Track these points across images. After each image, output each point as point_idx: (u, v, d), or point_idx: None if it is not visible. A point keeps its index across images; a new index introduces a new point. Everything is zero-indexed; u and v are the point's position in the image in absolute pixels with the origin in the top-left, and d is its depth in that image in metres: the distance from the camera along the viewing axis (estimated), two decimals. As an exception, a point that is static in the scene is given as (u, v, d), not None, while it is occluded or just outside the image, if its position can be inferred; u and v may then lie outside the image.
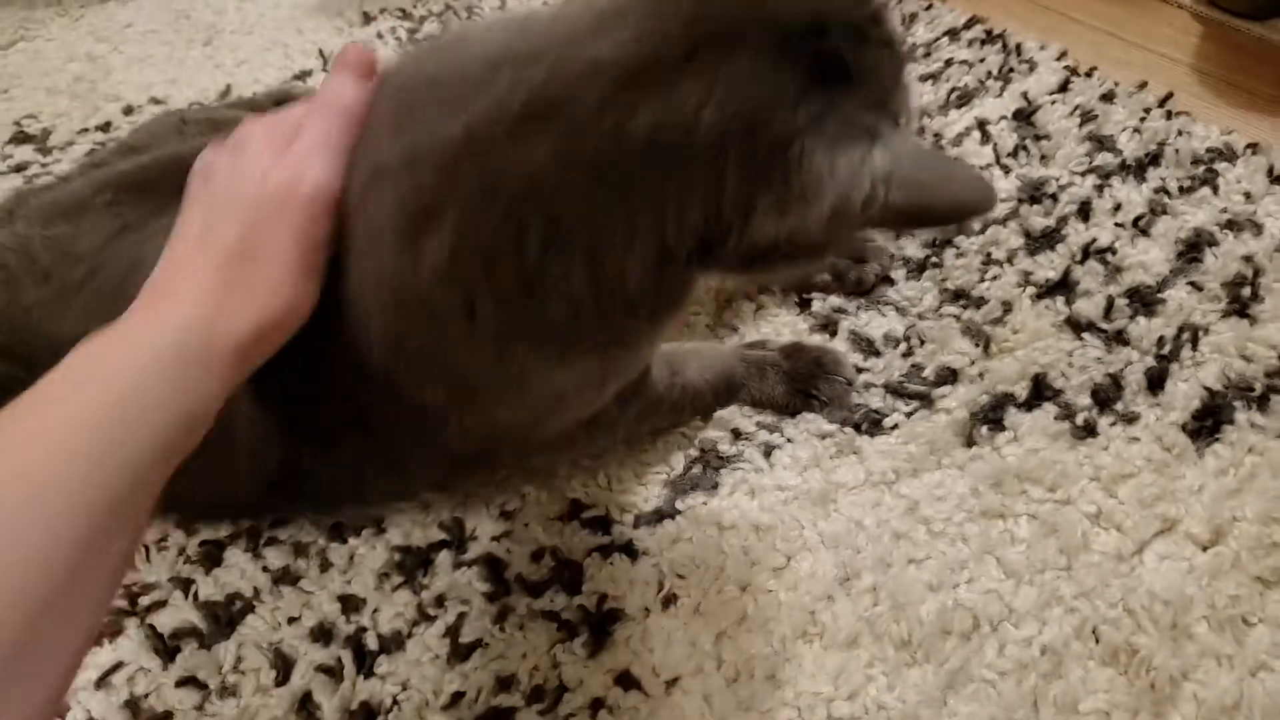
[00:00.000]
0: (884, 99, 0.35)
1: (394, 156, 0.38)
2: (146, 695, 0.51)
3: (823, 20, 0.34)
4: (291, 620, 0.53)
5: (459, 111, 0.36)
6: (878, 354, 0.62)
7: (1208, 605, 0.50)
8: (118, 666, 0.52)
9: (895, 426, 0.59)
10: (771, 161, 0.33)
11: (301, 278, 0.39)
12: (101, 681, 0.52)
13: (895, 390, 0.60)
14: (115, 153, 0.65)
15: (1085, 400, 0.59)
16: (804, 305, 0.66)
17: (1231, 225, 0.67)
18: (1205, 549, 0.53)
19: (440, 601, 0.53)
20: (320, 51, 0.96)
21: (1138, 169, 0.72)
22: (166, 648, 0.53)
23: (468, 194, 0.36)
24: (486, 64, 0.36)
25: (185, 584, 0.55)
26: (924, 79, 0.81)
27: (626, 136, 0.34)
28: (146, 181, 0.55)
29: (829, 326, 0.64)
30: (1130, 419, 0.58)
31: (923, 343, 0.63)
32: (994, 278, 0.66)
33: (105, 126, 0.88)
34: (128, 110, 0.90)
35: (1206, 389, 0.58)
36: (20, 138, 0.88)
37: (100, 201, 0.55)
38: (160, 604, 0.54)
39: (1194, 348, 0.61)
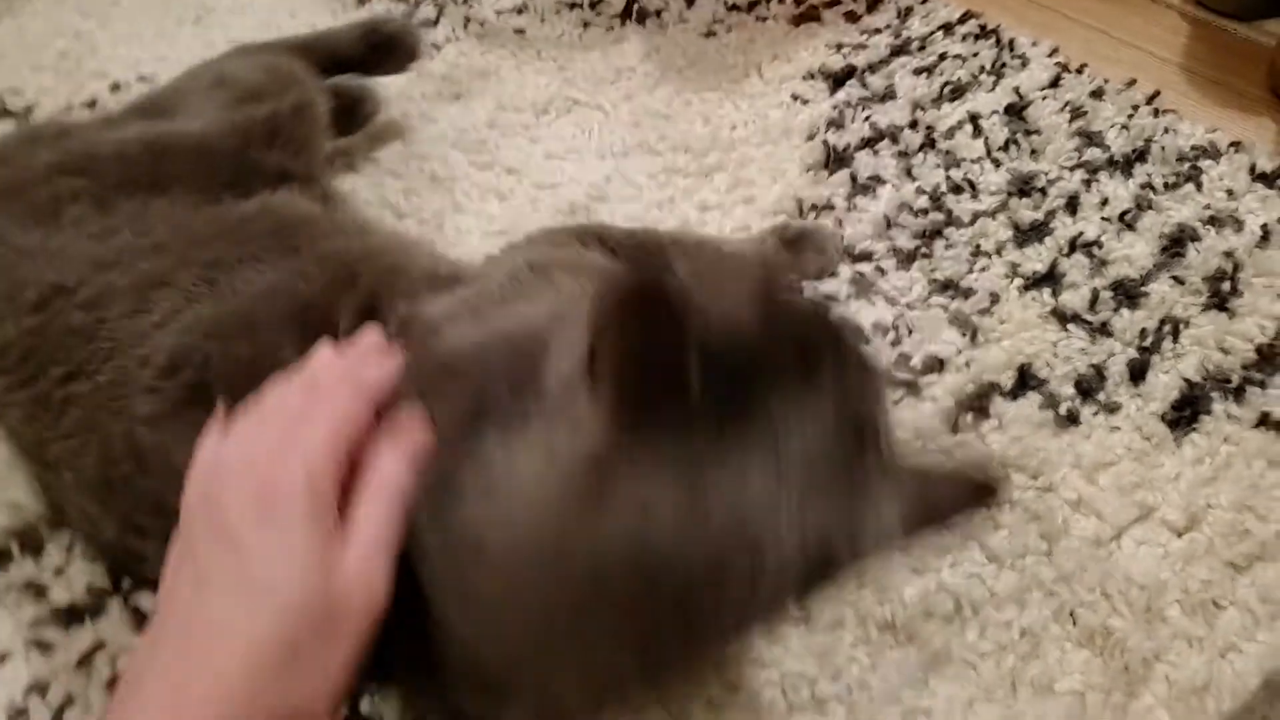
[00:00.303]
0: (861, 428, 0.33)
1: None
2: (134, 671, 0.51)
3: (750, 382, 0.32)
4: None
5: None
6: (866, 342, 0.63)
7: (1181, 589, 0.52)
8: (99, 647, 0.52)
9: (882, 413, 0.60)
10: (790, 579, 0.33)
11: (340, 699, 0.34)
12: (82, 662, 0.52)
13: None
14: (136, 111, 0.64)
15: (1069, 390, 0.60)
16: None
17: (1214, 221, 0.68)
18: (1180, 535, 0.54)
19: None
20: (313, 31, 0.95)
21: (1125, 165, 0.73)
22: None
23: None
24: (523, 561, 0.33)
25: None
26: (918, 72, 0.82)
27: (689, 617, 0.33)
28: (115, 192, 0.54)
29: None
30: (1112, 409, 0.59)
31: (911, 332, 0.63)
32: (982, 269, 0.66)
33: (91, 104, 0.87)
34: (114, 87, 0.89)
35: (1186, 380, 0.60)
36: (2, 113, 0.87)
37: (72, 215, 0.53)
38: (143, 584, 0.54)
39: (1175, 340, 0.62)
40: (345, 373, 0.39)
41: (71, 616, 0.53)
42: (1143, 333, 0.62)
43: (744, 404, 0.32)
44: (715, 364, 0.31)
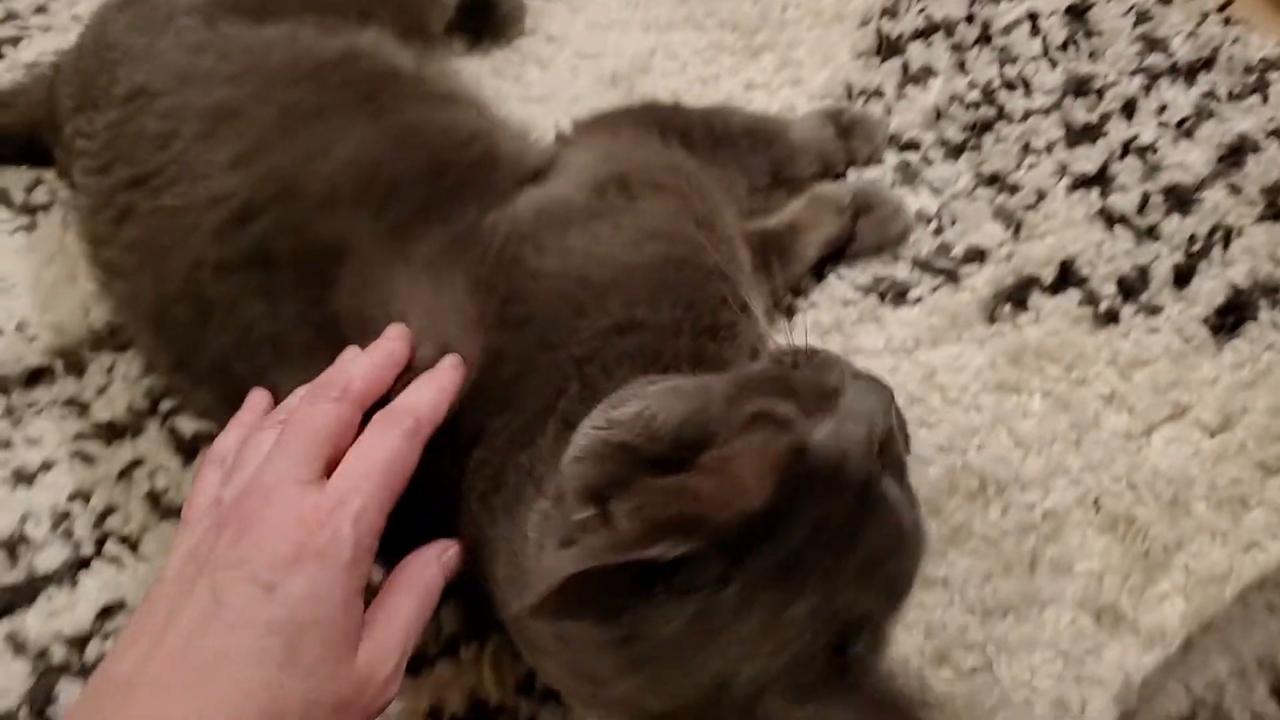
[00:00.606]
0: (839, 630, 0.32)
1: None
2: (166, 490, 0.53)
3: (731, 582, 0.31)
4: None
5: None
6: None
7: (1209, 485, 0.51)
8: (138, 463, 0.53)
9: (919, 299, 0.59)
10: None
11: None
12: (123, 474, 0.53)
13: (923, 265, 0.60)
14: None
15: (1110, 289, 0.59)
16: (838, 178, 0.65)
17: (1277, 134, 0.66)
18: (1213, 435, 0.53)
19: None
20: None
21: (1188, 73, 0.70)
22: (186, 448, 0.54)
23: None
24: None
25: (204, 394, 0.56)
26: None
27: None
28: (222, 14, 0.53)
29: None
30: (1153, 310, 0.58)
31: (954, 222, 0.62)
32: (1031, 166, 0.65)
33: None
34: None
35: (1233, 286, 0.58)
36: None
37: (178, 26, 0.53)
38: (180, 409, 0.55)
39: (1225, 248, 0.60)
40: (382, 383, 0.39)
41: (112, 433, 0.54)
42: (1192, 238, 0.61)
43: (717, 609, 0.31)
44: (699, 567, 0.31)
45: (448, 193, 0.47)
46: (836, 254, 0.60)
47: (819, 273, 0.60)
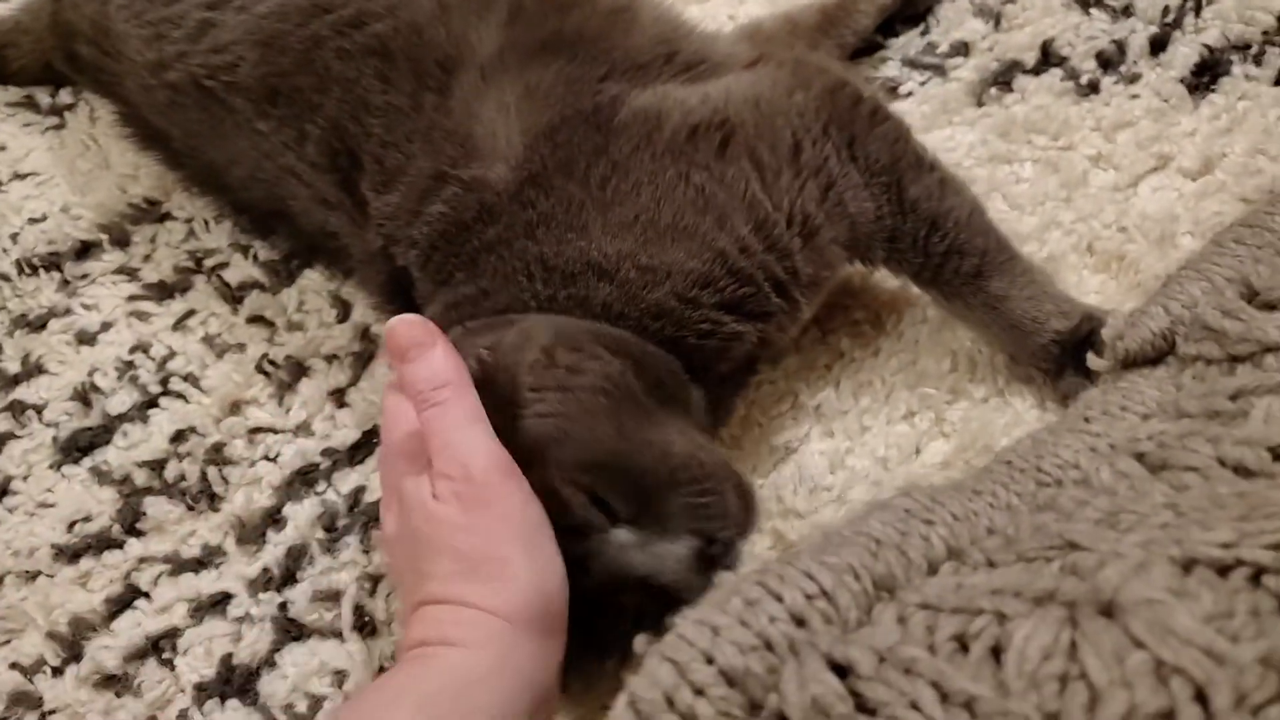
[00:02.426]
0: None
1: None
2: (219, 334, 0.56)
3: None
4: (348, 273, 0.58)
5: None
6: (895, 34, 0.65)
7: (1193, 221, 0.55)
8: (191, 313, 0.57)
9: (910, 93, 0.62)
10: None
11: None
12: (177, 325, 0.57)
13: (911, 63, 0.63)
14: None
15: (1090, 64, 0.61)
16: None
17: (1241, -88, 0.68)
18: (1195, 179, 0.56)
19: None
20: None
21: None
22: (234, 295, 0.57)
23: None
24: None
25: (244, 249, 0.59)
26: None
27: None
28: None
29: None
30: (1132, 79, 0.61)
31: (938, 23, 0.65)
32: (1005, -35, 0.67)
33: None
34: None
35: (1207, 48, 0.61)
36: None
37: None
38: (224, 264, 0.59)
39: (1197, 15, 0.63)
40: None
41: (163, 291, 0.58)
42: (1165, 10, 0.63)
43: None
44: None
45: (576, 34, 0.48)
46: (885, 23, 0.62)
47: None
